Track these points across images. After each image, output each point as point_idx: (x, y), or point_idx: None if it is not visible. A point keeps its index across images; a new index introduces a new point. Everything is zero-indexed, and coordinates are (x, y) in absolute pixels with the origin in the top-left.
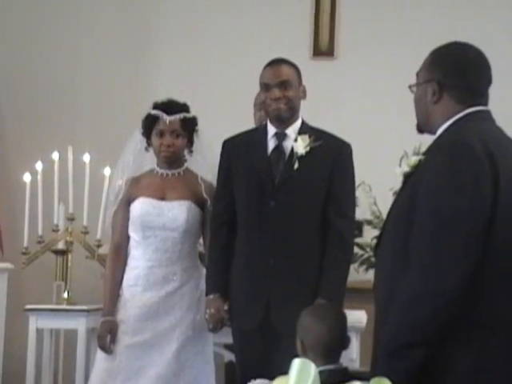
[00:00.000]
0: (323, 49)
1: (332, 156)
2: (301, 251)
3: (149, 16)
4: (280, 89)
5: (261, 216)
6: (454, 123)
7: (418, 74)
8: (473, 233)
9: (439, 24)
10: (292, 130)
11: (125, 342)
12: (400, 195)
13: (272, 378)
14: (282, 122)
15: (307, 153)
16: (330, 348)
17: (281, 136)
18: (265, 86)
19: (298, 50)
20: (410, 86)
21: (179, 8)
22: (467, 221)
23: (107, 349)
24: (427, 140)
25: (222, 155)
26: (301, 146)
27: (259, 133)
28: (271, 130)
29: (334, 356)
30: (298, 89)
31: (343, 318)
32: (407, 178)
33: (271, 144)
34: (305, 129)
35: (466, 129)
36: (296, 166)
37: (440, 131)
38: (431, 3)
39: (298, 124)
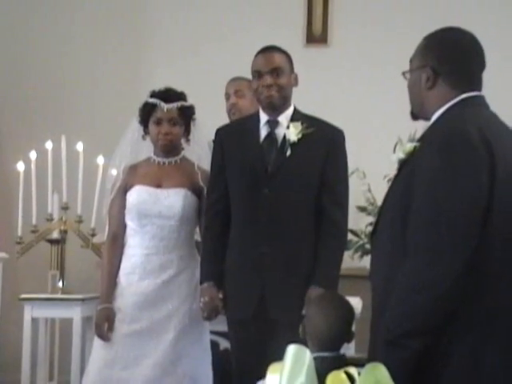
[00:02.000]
0: (316, 36)
1: (325, 143)
2: (295, 239)
3: (143, 3)
4: (272, 76)
5: (254, 204)
6: (449, 109)
7: (411, 60)
8: (470, 220)
9: (432, 11)
10: (284, 118)
11: (122, 331)
12: (395, 182)
13: (267, 366)
14: (274, 109)
15: (299, 140)
16: (328, 341)
17: (273, 123)
18: (257, 74)
19: (292, 37)
20: (403, 73)
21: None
22: (464, 208)
23: (105, 337)
24: (422, 126)
25: (215, 143)
26: (293, 132)
27: (251, 121)
28: (263, 117)
29: (332, 346)
30: (290, 76)
31: (348, 314)
32: (402, 164)
33: (263, 131)
34: (297, 116)
35: (461, 115)
36: (288, 152)
37: (435, 117)
38: None
39: (290, 111)
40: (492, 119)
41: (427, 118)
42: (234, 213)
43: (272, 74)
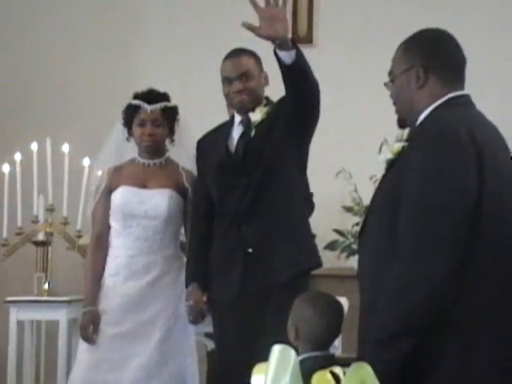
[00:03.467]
0: (302, 36)
1: (280, 108)
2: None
3: (131, 5)
4: (241, 81)
5: (230, 193)
6: (437, 109)
7: (391, 71)
8: (458, 219)
9: (419, 11)
10: (257, 111)
11: (107, 333)
12: (383, 182)
13: (252, 363)
14: (248, 111)
15: (264, 120)
16: (324, 340)
17: (245, 121)
18: (226, 80)
19: None
20: (385, 84)
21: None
22: (452, 207)
23: (90, 339)
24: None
25: (196, 154)
26: (257, 114)
27: (227, 124)
28: (237, 118)
29: (326, 346)
30: (260, 76)
31: (341, 312)
32: (390, 164)
33: (238, 131)
34: (269, 105)
35: (449, 115)
36: (253, 133)
37: (422, 117)
38: None
39: (261, 105)
40: (479, 119)
41: (415, 122)
42: (216, 212)
43: (241, 79)
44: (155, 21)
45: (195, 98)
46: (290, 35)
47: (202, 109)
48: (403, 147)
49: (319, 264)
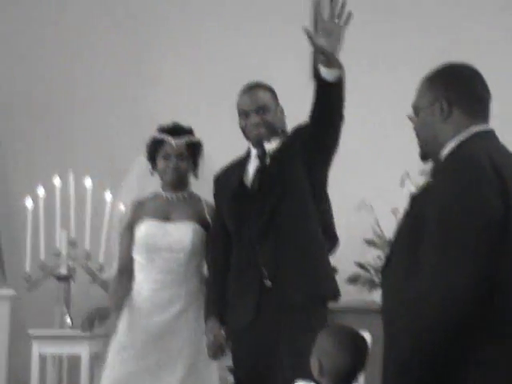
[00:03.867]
0: None
1: (296, 137)
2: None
3: (148, 38)
4: (258, 114)
5: (245, 223)
6: (461, 145)
7: (415, 106)
8: (481, 234)
9: (426, 47)
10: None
11: (130, 368)
12: (407, 216)
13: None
14: (264, 144)
15: (278, 148)
16: (347, 375)
17: (261, 155)
18: (243, 113)
19: (298, 73)
20: (409, 117)
21: (178, 31)
22: (474, 222)
23: (89, 324)
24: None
25: (213, 188)
26: (272, 144)
27: (243, 157)
28: (253, 151)
29: (349, 381)
30: (276, 110)
31: (365, 346)
32: (414, 199)
33: (254, 164)
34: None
35: (473, 149)
36: (268, 161)
37: (447, 150)
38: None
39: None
40: (503, 151)
41: (438, 155)
42: (233, 241)
43: (258, 112)
44: (176, 56)
45: (213, 131)
46: (338, 54)
47: (219, 141)
48: (428, 183)
49: (335, 291)
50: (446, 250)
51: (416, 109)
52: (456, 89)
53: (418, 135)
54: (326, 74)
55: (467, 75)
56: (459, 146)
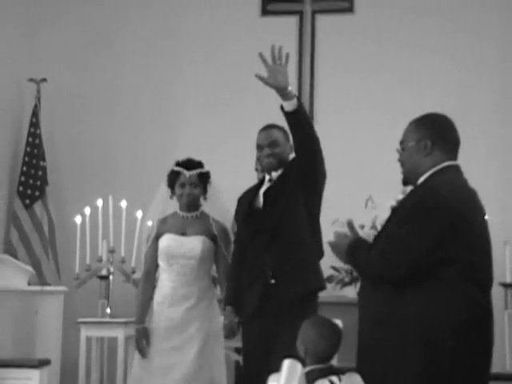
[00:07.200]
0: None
1: (293, 165)
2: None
3: (173, 81)
4: (270, 147)
5: (254, 235)
6: (434, 174)
7: (402, 141)
8: (433, 224)
9: (413, 88)
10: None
11: (157, 347)
12: (387, 224)
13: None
14: (274, 172)
15: (281, 174)
16: (326, 356)
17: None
18: (259, 147)
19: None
20: (397, 150)
21: (199, 80)
22: (430, 215)
23: (143, 350)
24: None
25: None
26: (279, 172)
27: (259, 182)
28: (267, 177)
29: (327, 360)
30: (286, 145)
31: (340, 333)
32: (393, 211)
33: (265, 187)
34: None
35: (439, 182)
36: (271, 184)
37: (422, 179)
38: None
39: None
40: (464, 184)
41: (416, 181)
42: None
43: (270, 146)
44: (192, 94)
45: (220, 164)
46: (290, 88)
47: (232, 171)
48: (404, 198)
49: (321, 285)
50: (410, 229)
51: (404, 144)
52: (437, 132)
53: (402, 165)
54: (286, 105)
55: (445, 124)
56: (431, 176)
